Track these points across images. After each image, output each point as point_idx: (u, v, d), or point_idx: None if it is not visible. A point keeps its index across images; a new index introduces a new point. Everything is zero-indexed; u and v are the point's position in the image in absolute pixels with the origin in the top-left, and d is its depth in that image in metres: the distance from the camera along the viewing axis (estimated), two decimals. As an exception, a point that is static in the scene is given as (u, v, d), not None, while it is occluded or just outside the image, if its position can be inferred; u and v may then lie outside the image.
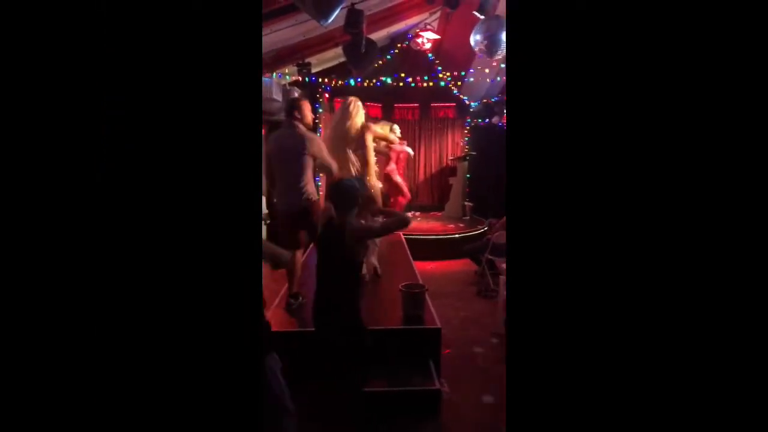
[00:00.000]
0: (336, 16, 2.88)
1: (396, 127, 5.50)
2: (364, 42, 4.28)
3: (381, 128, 5.25)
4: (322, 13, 2.68)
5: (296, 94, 5.37)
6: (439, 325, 2.49)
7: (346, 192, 1.77)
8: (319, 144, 2.68)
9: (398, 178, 5.53)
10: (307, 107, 2.70)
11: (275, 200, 2.77)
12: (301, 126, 2.62)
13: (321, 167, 2.75)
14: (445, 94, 6.79)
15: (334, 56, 5.80)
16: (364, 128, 3.11)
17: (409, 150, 5.80)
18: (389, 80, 6.13)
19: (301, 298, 2.75)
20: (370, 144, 3.27)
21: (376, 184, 3.41)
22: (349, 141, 3.04)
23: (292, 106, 2.66)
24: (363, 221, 1.83)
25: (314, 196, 2.64)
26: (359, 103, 3.11)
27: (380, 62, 5.89)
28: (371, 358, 1.87)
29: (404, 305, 2.57)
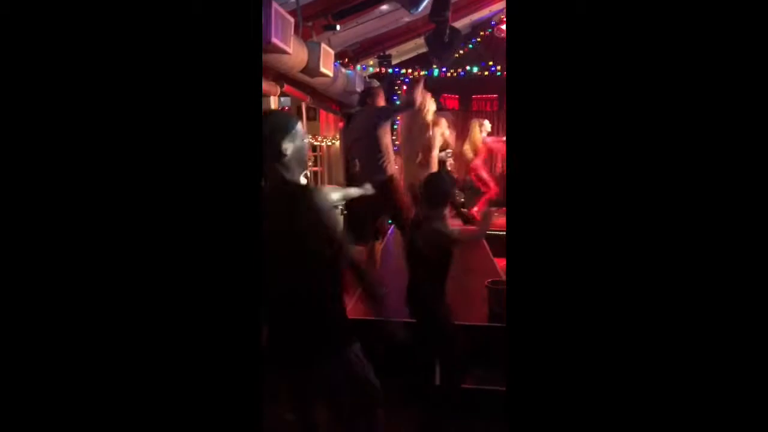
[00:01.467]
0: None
1: (486, 122, 5.38)
2: (448, 31, 4.18)
3: (473, 130, 5.19)
4: (413, 1, 2.65)
5: (376, 86, 5.42)
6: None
7: (437, 187, 1.72)
8: (387, 126, 2.69)
9: (484, 174, 5.42)
10: (380, 96, 2.72)
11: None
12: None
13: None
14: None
15: (413, 47, 5.76)
16: (433, 123, 3.08)
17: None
18: (476, 69, 5.97)
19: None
20: (437, 141, 3.23)
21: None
22: (417, 135, 3.03)
23: (367, 95, 2.70)
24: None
25: (392, 171, 2.65)
26: (428, 97, 3.08)
27: (461, 52, 5.74)
28: (460, 355, 1.83)
29: (490, 302, 2.48)
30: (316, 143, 6.28)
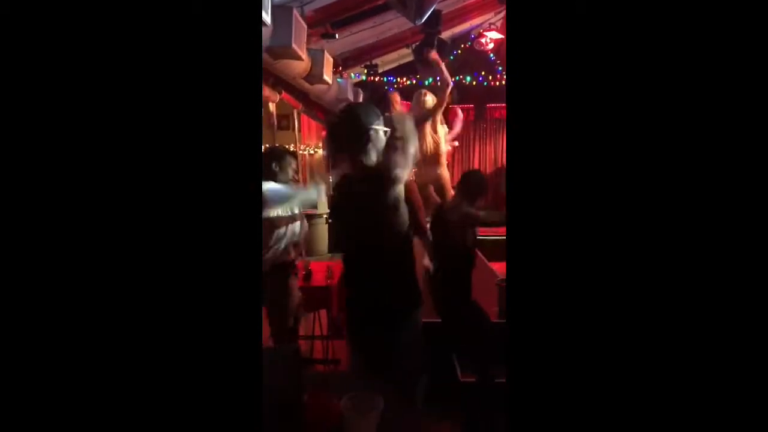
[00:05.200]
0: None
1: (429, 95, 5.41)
2: (436, 42, 4.33)
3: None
4: (420, 13, 2.75)
5: (362, 95, 5.49)
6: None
7: (478, 183, 1.82)
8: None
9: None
10: (396, 99, 2.79)
11: None
12: None
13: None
14: (502, 95, 6.76)
15: (397, 57, 5.89)
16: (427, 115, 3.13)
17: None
18: (468, 79, 6.26)
19: None
20: (440, 132, 3.28)
21: (445, 173, 3.45)
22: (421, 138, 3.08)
23: (383, 100, 2.75)
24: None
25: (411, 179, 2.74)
26: (425, 96, 3.17)
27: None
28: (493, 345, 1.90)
29: (501, 300, 2.58)
30: (300, 152, 6.25)
